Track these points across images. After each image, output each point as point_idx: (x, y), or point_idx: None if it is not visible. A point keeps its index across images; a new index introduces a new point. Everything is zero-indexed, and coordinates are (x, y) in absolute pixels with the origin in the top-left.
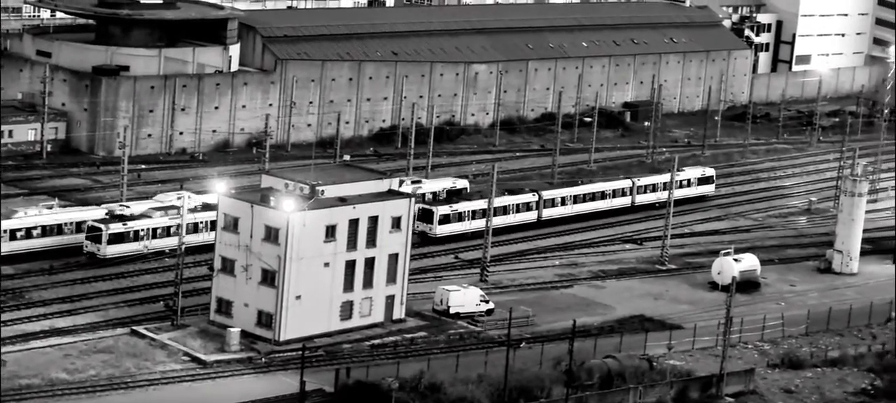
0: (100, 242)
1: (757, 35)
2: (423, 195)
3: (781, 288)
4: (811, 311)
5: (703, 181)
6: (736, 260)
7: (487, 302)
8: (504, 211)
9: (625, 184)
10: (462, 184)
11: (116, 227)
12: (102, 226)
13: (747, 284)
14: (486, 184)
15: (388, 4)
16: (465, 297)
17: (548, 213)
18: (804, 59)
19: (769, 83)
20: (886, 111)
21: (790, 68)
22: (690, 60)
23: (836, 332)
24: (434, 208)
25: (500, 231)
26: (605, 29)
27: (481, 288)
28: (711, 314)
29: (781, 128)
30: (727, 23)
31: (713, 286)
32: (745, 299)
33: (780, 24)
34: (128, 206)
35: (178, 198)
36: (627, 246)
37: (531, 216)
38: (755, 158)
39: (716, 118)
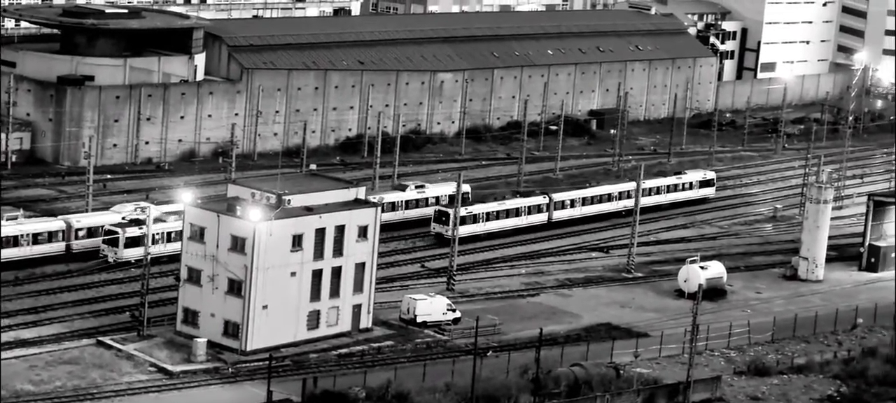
0: (116, 245)
1: (722, 42)
2: (435, 198)
3: (747, 295)
4: (777, 318)
5: (705, 184)
6: (702, 267)
7: (454, 310)
8: (516, 213)
9: (630, 186)
10: (464, 188)
11: (133, 232)
12: (119, 230)
13: (713, 292)
14: (492, 188)
15: (353, 13)
16: (431, 306)
17: (558, 215)
18: (769, 67)
19: (734, 90)
20: (851, 118)
21: (755, 75)
22: (656, 68)
23: (802, 339)
24: (451, 210)
25: (509, 233)
26: (570, 37)
27: (448, 297)
28: (678, 321)
29: (747, 136)
30: (692, 30)
31: (679, 293)
32: (712, 306)
33: (744, 31)
34: (144, 211)
35: (136, 210)
36: (594, 254)
37: (542, 218)
38: (721, 166)
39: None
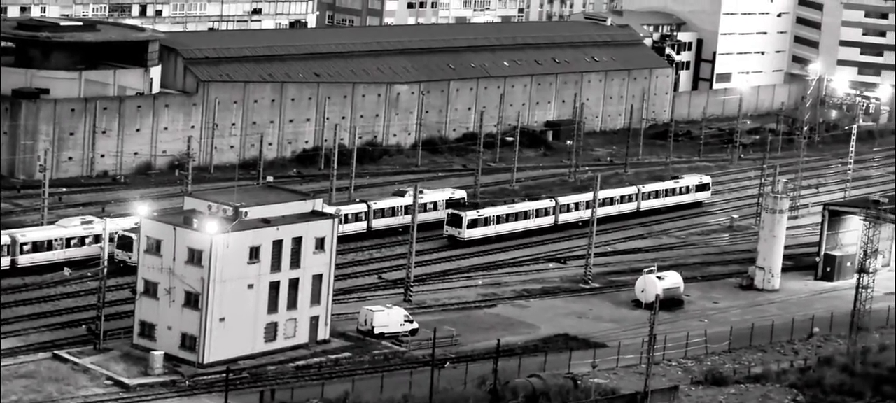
0: (131, 250)
1: (678, 53)
2: (433, 204)
3: (704, 305)
4: (734, 328)
5: (701, 188)
6: (659, 277)
7: (411, 321)
8: (524, 216)
9: (631, 190)
10: (460, 194)
11: None
12: (134, 236)
13: (670, 301)
14: (500, 193)
15: (310, 26)
16: (389, 317)
17: (564, 218)
18: (724, 77)
19: (690, 101)
20: (806, 128)
21: (711, 86)
22: (612, 79)
23: (759, 348)
24: (463, 213)
25: (517, 235)
26: (526, 48)
27: (405, 309)
28: (635, 332)
29: (703, 146)
30: (648, 41)
31: (637, 304)
32: (669, 316)
33: (700, 42)
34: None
35: (82, 223)
36: (551, 264)
37: (549, 220)
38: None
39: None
